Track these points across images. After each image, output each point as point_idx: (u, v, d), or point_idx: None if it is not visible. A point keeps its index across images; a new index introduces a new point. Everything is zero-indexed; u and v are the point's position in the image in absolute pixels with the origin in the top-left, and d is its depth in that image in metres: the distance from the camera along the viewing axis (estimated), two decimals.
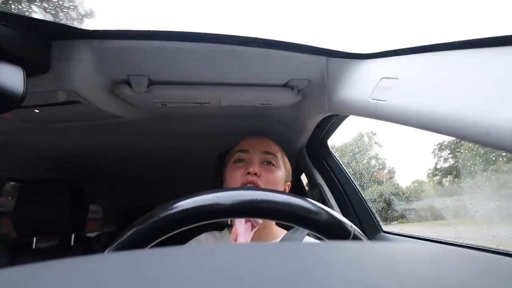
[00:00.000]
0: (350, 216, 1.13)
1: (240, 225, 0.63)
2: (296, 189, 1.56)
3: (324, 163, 1.24)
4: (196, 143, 1.26)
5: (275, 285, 0.11)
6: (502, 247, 0.71)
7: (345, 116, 1.02)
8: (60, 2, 0.52)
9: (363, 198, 1.17)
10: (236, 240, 0.63)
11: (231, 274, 0.12)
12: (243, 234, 0.62)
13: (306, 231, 0.73)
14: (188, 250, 0.16)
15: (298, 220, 0.38)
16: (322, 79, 0.77)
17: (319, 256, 0.15)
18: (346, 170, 1.23)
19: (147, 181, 1.90)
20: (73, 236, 1.21)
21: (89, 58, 0.66)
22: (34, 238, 1.16)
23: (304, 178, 1.55)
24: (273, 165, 0.78)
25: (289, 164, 0.86)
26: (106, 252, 0.36)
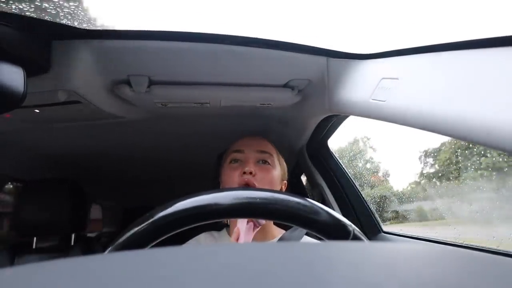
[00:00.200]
0: (350, 216, 1.13)
1: (242, 225, 0.63)
2: (296, 189, 1.56)
3: (324, 163, 1.24)
4: (196, 143, 1.26)
5: (275, 285, 0.11)
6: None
7: (345, 117, 1.02)
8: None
9: (363, 198, 1.17)
10: (237, 240, 0.63)
11: (231, 274, 0.12)
12: (244, 234, 0.62)
13: (305, 231, 0.73)
14: (188, 250, 0.16)
15: (297, 220, 0.37)
16: (322, 79, 0.77)
17: (319, 256, 0.15)
18: (346, 170, 1.23)
19: (147, 181, 1.90)
20: (73, 236, 1.21)
21: (90, 58, 0.66)
22: (34, 238, 1.16)
23: (304, 178, 1.55)
24: (269, 164, 0.78)
25: (284, 163, 0.86)
26: (106, 252, 0.36)
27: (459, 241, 0.84)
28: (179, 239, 0.45)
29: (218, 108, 0.90)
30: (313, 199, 0.39)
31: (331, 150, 1.25)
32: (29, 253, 1.15)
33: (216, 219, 0.37)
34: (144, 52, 0.66)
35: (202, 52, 0.68)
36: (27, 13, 0.53)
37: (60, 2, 0.56)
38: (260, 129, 1.13)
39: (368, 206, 1.15)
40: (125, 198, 2.38)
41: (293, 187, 1.61)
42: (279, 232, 0.80)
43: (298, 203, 0.37)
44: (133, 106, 0.86)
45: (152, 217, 0.37)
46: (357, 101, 0.67)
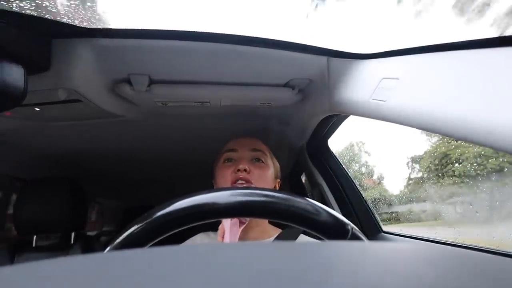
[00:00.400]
0: (350, 216, 1.13)
1: (226, 222, 0.63)
2: (296, 188, 1.56)
3: (324, 163, 1.24)
4: (196, 142, 1.26)
5: (274, 285, 0.11)
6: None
7: (346, 116, 1.02)
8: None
9: (363, 198, 1.17)
10: (223, 237, 0.63)
11: (229, 273, 0.12)
12: (230, 231, 0.62)
13: (301, 230, 0.73)
14: (186, 249, 0.16)
15: (295, 219, 0.37)
16: (323, 79, 0.77)
17: (318, 255, 0.15)
18: (346, 170, 1.23)
19: (148, 180, 1.90)
20: (73, 234, 1.21)
21: (90, 56, 0.65)
22: (34, 237, 1.17)
23: (304, 178, 1.55)
24: (262, 162, 0.79)
25: (277, 162, 0.86)
26: (105, 250, 0.36)
27: (459, 241, 0.84)
28: (177, 240, 0.45)
29: (219, 107, 0.90)
30: (313, 199, 0.39)
31: (331, 150, 1.25)
32: (29, 251, 1.15)
33: (214, 219, 0.37)
34: (145, 50, 0.66)
35: (203, 51, 0.67)
36: (27, 11, 0.53)
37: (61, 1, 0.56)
38: (260, 129, 1.13)
39: (368, 205, 1.15)
40: (125, 197, 2.38)
41: (293, 186, 1.61)
42: (275, 230, 0.80)
43: (296, 202, 0.37)
44: (134, 105, 0.86)
45: (151, 217, 0.37)
46: (357, 101, 0.67)
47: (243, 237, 0.76)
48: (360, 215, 1.13)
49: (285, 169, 1.56)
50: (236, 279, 0.12)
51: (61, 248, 1.18)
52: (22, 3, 0.51)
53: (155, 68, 0.73)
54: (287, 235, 0.74)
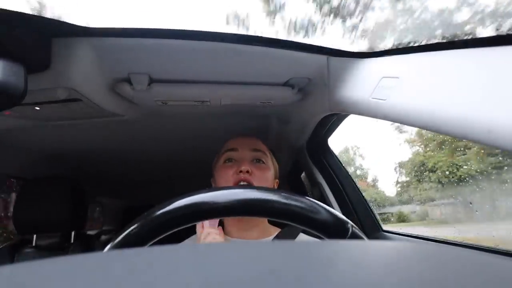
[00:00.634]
0: (350, 215, 1.13)
1: (203, 225, 0.66)
2: (296, 187, 1.56)
3: (325, 162, 1.24)
4: (196, 141, 1.26)
5: (274, 283, 0.11)
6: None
7: (346, 115, 1.02)
8: None
9: (363, 197, 1.17)
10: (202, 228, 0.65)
11: (229, 272, 0.12)
12: (209, 228, 0.64)
13: (301, 229, 0.73)
14: (186, 248, 0.16)
15: (295, 218, 0.37)
16: (323, 78, 0.77)
17: (318, 255, 0.15)
18: (347, 169, 1.23)
19: (148, 179, 1.90)
20: (73, 233, 1.21)
21: (90, 55, 0.65)
22: (34, 236, 1.17)
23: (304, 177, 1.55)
24: (263, 162, 0.78)
25: (276, 162, 0.86)
26: (105, 250, 0.36)
27: (459, 240, 0.84)
28: (175, 239, 0.45)
29: (219, 106, 0.90)
30: (313, 198, 0.39)
31: (331, 149, 1.25)
32: (28, 250, 1.15)
33: (214, 218, 0.37)
34: (145, 50, 0.66)
35: (203, 50, 0.67)
36: (27, 11, 0.53)
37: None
38: (261, 128, 1.13)
39: (368, 205, 1.16)
40: (125, 196, 2.38)
41: (293, 185, 1.61)
42: (274, 230, 0.80)
43: (296, 200, 0.37)
44: (134, 104, 0.86)
45: (151, 216, 0.37)
46: (357, 100, 0.67)
47: (242, 236, 0.76)
48: (360, 214, 1.13)
49: (285, 168, 1.56)
50: (235, 278, 0.12)
51: (61, 248, 1.18)
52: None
53: (155, 67, 0.72)
54: (287, 234, 0.74)
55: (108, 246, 0.37)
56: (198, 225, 0.67)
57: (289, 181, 1.64)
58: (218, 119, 1.05)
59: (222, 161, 0.79)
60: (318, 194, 1.23)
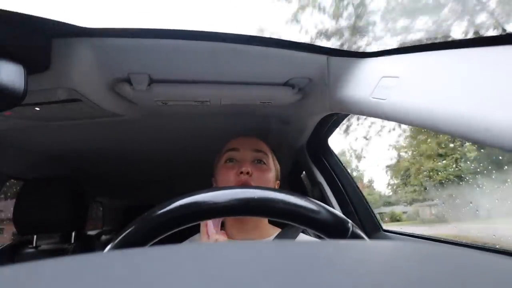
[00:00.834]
0: (350, 215, 1.13)
1: (208, 225, 0.66)
2: (297, 187, 1.56)
3: (325, 161, 1.24)
4: (196, 141, 1.26)
5: (275, 283, 0.11)
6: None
7: (346, 115, 1.02)
8: None
9: (364, 196, 1.17)
10: (208, 235, 0.65)
11: (229, 272, 0.12)
12: (213, 229, 0.65)
13: (301, 229, 0.73)
14: (186, 248, 0.16)
15: (295, 218, 0.37)
16: (323, 78, 0.77)
17: (318, 255, 0.15)
18: (347, 169, 1.23)
19: (148, 180, 1.90)
20: (73, 234, 1.21)
21: (90, 56, 0.65)
22: (35, 236, 1.17)
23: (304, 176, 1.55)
24: (264, 163, 0.78)
25: (277, 163, 0.86)
26: (106, 250, 0.36)
27: (459, 240, 0.84)
28: (176, 240, 0.46)
29: (219, 106, 0.90)
30: (313, 198, 0.39)
31: (332, 149, 1.25)
32: (29, 251, 1.15)
33: (214, 218, 0.37)
34: (145, 50, 0.66)
35: (203, 50, 0.67)
36: (27, 11, 0.53)
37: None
38: (261, 128, 1.13)
39: (368, 204, 1.16)
40: (125, 196, 2.38)
41: (293, 185, 1.61)
42: (274, 230, 0.80)
43: (296, 200, 0.37)
44: (134, 104, 0.86)
45: (151, 216, 0.37)
46: (357, 99, 0.67)
47: (243, 236, 0.76)
48: (360, 214, 1.13)
49: (285, 168, 1.56)
50: (236, 278, 0.12)
51: (61, 248, 1.18)
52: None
53: (155, 67, 0.72)
54: (287, 234, 0.74)
55: (109, 247, 0.37)
56: (202, 225, 0.67)
57: (289, 181, 1.64)
58: (218, 119, 1.05)
59: (223, 161, 0.79)
60: (318, 194, 1.23)
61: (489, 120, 0.38)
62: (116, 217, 2.54)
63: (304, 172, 1.47)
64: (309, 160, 1.26)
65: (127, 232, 0.37)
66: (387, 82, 0.58)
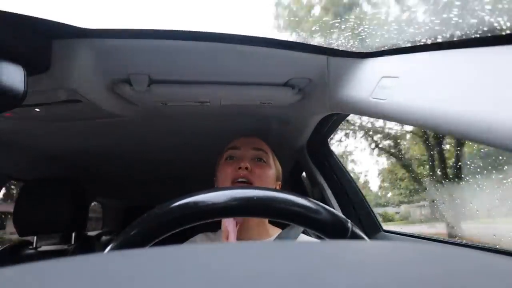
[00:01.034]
0: (351, 215, 1.13)
1: (229, 222, 0.65)
2: (297, 188, 1.56)
3: (325, 162, 1.24)
4: (196, 142, 1.26)
5: (276, 284, 0.11)
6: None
7: (346, 115, 1.02)
8: None
9: (364, 197, 1.17)
10: (227, 238, 0.64)
11: (230, 273, 0.12)
12: (233, 232, 0.63)
13: (301, 229, 0.73)
14: (187, 249, 0.16)
15: (295, 218, 0.37)
16: (323, 78, 0.77)
17: (319, 255, 0.15)
18: (347, 170, 1.23)
19: (148, 180, 1.90)
20: (73, 234, 1.21)
21: (90, 56, 0.65)
22: (35, 237, 1.17)
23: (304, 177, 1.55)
24: (264, 161, 0.79)
25: (279, 165, 0.86)
26: (106, 251, 0.36)
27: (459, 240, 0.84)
28: (175, 241, 0.46)
29: (218, 107, 0.90)
30: (313, 198, 0.39)
31: (332, 149, 1.25)
32: (29, 252, 1.15)
33: (213, 219, 0.37)
34: (145, 51, 0.66)
35: (202, 51, 0.67)
36: (27, 12, 0.53)
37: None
38: (261, 128, 1.13)
39: (368, 205, 1.15)
40: (125, 197, 2.38)
41: (294, 186, 1.61)
42: (275, 230, 0.80)
43: (295, 200, 0.37)
44: (133, 105, 0.86)
45: (151, 217, 0.37)
46: (357, 100, 0.67)
47: (243, 237, 0.76)
48: (360, 214, 1.13)
49: (285, 169, 1.56)
50: (236, 279, 0.12)
51: (61, 249, 1.18)
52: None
53: (155, 68, 0.73)
54: (287, 234, 0.74)
55: (109, 247, 0.37)
56: (223, 222, 0.67)
57: (289, 181, 1.64)
58: (218, 120, 1.05)
59: (223, 159, 0.79)
60: (318, 194, 1.23)
61: (490, 120, 0.38)
62: (116, 217, 2.54)
63: (304, 172, 1.47)
64: (309, 160, 1.26)
65: (127, 233, 0.37)
66: (387, 82, 0.58)
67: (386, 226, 1.11)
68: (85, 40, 0.63)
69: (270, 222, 0.82)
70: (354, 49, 0.71)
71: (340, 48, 0.72)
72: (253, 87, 0.82)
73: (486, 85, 0.41)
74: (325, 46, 0.72)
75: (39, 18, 0.55)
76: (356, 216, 1.13)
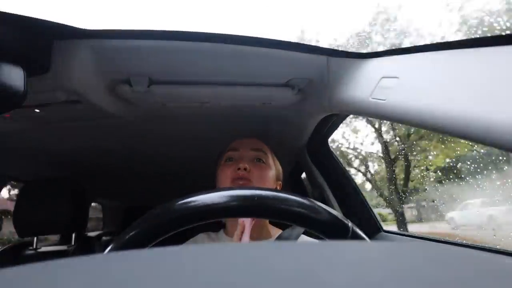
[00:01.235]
0: (351, 215, 1.13)
1: (247, 221, 0.63)
2: (297, 188, 1.56)
3: (325, 162, 1.24)
4: (196, 142, 1.26)
5: (276, 284, 0.11)
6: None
7: (346, 115, 1.02)
8: None
9: (364, 197, 1.17)
10: (242, 232, 0.63)
11: (231, 273, 0.12)
12: (249, 227, 0.62)
13: (302, 229, 0.73)
14: (188, 249, 0.16)
15: (295, 219, 0.37)
16: (323, 79, 0.77)
17: (319, 255, 0.15)
18: (346, 170, 1.23)
19: (148, 181, 1.90)
20: (73, 235, 1.21)
21: (90, 57, 0.65)
22: (35, 238, 1.16)
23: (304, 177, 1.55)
24: (263, 162, 0.79)
25: (279, 165, 0.86)
26: (106, 251, 0.36)
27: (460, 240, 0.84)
28: (177, 240, 0.46)
29: (218, 107, 0.90)
30: (313, 198, 0.39)
31: (331, 149, 1.25)
32: (29, 253, 1.15)
33: (214, 219, 0.37)
34: (144, 51, 0.66)
35: (202, 52, 0.67)
36: (28, 13, 0.53)
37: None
38: (260, 128, 1.13)
39: (368, 205, 1.15)
40: (125, 197, 2.38)
41: (294, 186, 1.61)
42: (276, 231, 0.80)
43: (296, 201, 0.37)
44: (133, 105, 0.86)
45: (151, 217, 0.37)
46: (357, 100, 0.67)
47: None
48: (360, 214, 1.13)
49: (285, 169, 1.55)
50: (237, 280, 0.12)
51: (61, 249, 1.18)
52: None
53: (155, 69, 0.73)
54: (288, 235, 0.74)
55: (109, 248, 0.37)
56: (239, 225, 0.66)
57: (289, 182, 1.64)
58: (217, 120, 1.05)
59: (223, 161, 0.79)
60: (318, 195, 1.23)
61: (489, 120, 0.38)
62: (116, 218, 2.54)
63: (304, 172, 1.47)
64: (309, 160, 1.26)
65: (127, 233, 0.37)
66: (386, 82, 0.59)
67: None
68: (85, 41, 0.63)
69: (270, 222, 0.82)
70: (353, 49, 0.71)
71: (340, 49, 0.72)
72: (253, 87, 0.82)
73: (486, 85, 0.41)
74: (325, 46, 0.73)
75: (39, 19, 0.55)
76: (356, 216, 1.13)
